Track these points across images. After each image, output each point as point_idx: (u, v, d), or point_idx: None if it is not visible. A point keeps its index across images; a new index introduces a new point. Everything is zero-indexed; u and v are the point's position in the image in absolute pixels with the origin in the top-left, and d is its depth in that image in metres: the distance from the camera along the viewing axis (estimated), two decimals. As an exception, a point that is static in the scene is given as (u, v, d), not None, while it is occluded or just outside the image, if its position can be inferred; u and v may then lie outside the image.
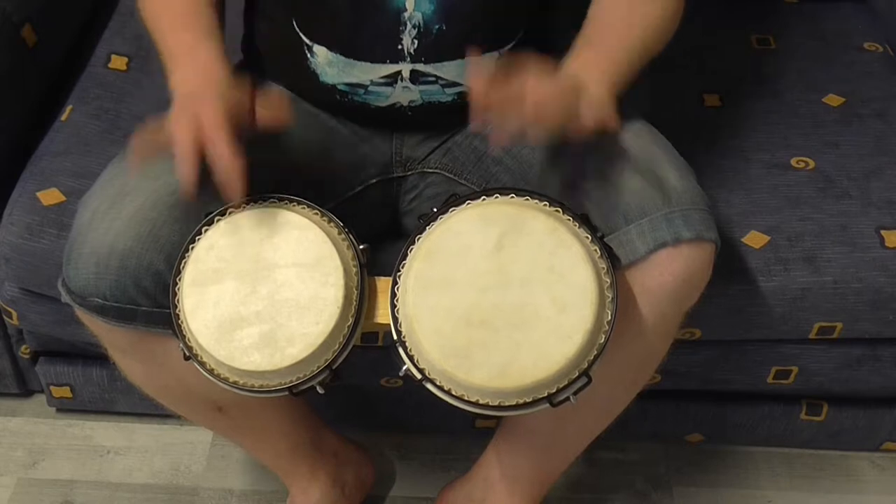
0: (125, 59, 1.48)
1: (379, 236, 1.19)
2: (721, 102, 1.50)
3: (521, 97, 0.93)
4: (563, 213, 0.98)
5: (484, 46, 1.10)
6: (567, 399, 0.94)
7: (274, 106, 1.01)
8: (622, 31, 1.08)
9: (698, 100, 1.50)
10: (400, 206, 1.24)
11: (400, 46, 1.09)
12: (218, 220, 0.99)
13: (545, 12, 1.18)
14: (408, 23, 1.07)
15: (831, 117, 1.48)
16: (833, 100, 1.50)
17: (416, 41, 1.08)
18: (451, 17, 1.07)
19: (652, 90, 1.26)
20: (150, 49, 1.48)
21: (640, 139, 1.08)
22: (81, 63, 1.49)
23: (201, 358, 0.97)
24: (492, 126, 0.95)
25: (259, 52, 1.23)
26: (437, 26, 1.07)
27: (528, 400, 0.94)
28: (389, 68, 1.10)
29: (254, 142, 0.97)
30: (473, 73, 0.97)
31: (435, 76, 1.11)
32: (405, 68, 1.10)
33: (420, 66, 1.10)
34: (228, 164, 0.92)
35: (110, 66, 1.48)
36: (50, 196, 1.31)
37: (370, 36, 1.09)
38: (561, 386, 0.93)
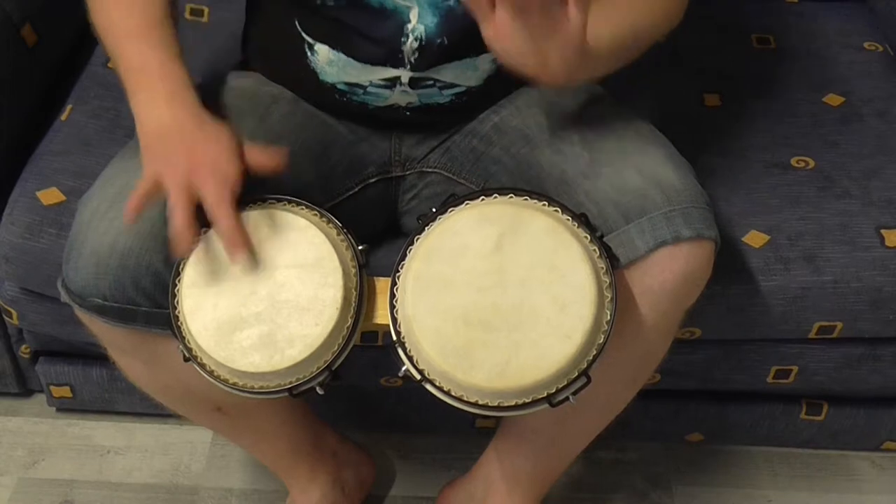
0: (125, 59, 1.48)
1: (378, 236, 1.19)
2: (721, 102, 1.50)
3: None
4: (562, 212, 0.98)
5: (483, 50, 1.10)
6: (566, 399, 0.94)
7: (265, 152, 1.00)
8: (616, 4, 1.05)
9: (698, 100, 1.50)
10: (399, 206, 1.24)
11: (401, 55, 1.09)
12: (217, 221, 0.99)
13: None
14: (410, 34, 1.07)
15: (831, 117, 1.48)
16: (833, 99, 1.50)
17: (416, 52, 1.08)
18: (454, 32, 1.07)
19: (656, 95, 1.26)
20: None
21: (639, 138, 1.08)
22: (81, 63, 1.49)
23: (201, 359, 0.97)
24: None
25: (258, 50, 1.22)
26: (438, 40, 1.08)
27: (527, 400, 0.93)
28: (389, 72, 1.10)
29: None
30: None
31: (433, 80, 1.11)
32: (404, 74, 1.10)
33: (419, 74, 1.10)
34: (233, 233, 0.94)
35: (110, 65, 1.47)
36: (50, 195, 1.31)
37: (372, 42, 1.09)
38: (560, 386, 0.93)
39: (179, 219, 0.93)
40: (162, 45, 1.04)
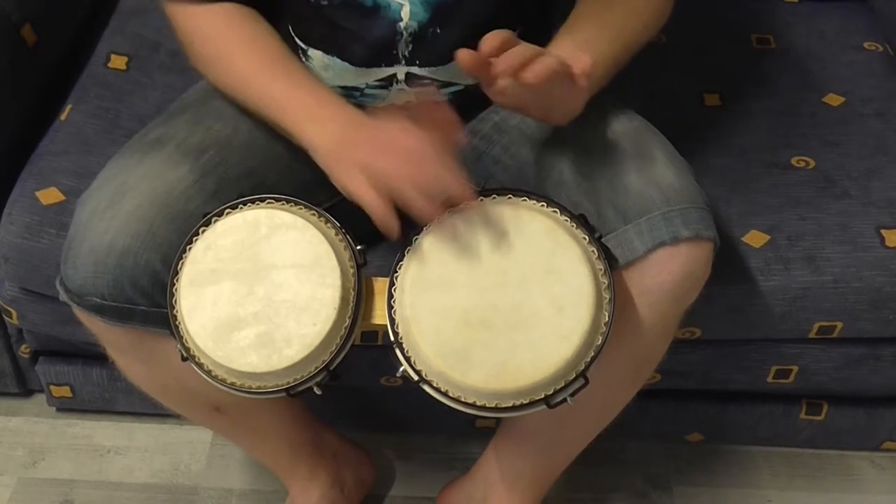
0: (125, 59, 1.48)
1: (376, 236, 1.19)
2: (721, 102, 1.49)
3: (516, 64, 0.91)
4: (561, 213, 0.98)
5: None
6: (564, 400, 0.94)
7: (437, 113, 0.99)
8: (603, 22, 1.07)
9: (698, 100, 1.50)
10: (398, 206, 1.24)
11: (395, 51, 1.09)
12: (215, 221, 0.99)
13: (543, 10, 1.18)
14: (404, 32, 1.07)
15: (831, 117, 1.47)
16: (833, 99, 1.50)
17: (410, 45, 1.08)
18: (446, 23, 1.07)
19: (647, 88, 1.26)
20: (149, 49, 1.49)
21: (637, 137, 1.08)
22: (81, 63, 1.49)
23: (199, 359, 0.97)
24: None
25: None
26: (431, 30, 1.07)
27: (525, 401, 0.93)
28: (385, 71, 1.10)
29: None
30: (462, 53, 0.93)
31: (430, 78, 1.11)
32: (400, 71, 1.10)
33: (415, 69, 1.10)
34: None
35: (110, 65, 1.48)
36: (49, 195, 1.31)
37: (366, 44, 1.09)
38: (558, 387, 0.93)
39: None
40: (316, 89, 1.04)
